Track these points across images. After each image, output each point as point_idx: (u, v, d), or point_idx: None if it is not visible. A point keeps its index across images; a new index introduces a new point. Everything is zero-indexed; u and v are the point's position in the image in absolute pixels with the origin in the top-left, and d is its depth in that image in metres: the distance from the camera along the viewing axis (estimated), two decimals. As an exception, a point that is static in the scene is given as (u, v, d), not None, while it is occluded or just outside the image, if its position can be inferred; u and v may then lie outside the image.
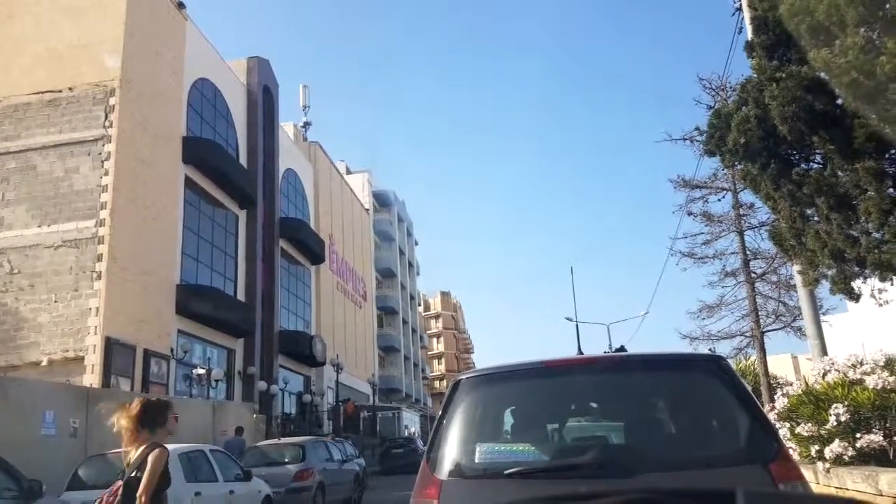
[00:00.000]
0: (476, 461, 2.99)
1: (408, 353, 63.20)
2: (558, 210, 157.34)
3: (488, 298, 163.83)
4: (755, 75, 6.35)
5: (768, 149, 6.23)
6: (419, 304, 77.94)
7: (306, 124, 46.97)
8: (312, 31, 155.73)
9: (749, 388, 3.33)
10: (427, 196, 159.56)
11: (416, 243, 74.37)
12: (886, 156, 5.68)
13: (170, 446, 11.37)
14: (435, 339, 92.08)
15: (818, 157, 6.32)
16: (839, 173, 5.86)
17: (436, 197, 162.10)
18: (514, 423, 3.42)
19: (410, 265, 69.54)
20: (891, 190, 5.57)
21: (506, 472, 2.78)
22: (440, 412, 3.25)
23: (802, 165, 6.37)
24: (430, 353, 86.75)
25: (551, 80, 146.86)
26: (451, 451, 3.02)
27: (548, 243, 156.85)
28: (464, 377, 3.38)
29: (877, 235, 5.73)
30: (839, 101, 5.49)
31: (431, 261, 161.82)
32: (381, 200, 61.61)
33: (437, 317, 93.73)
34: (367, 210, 55.88)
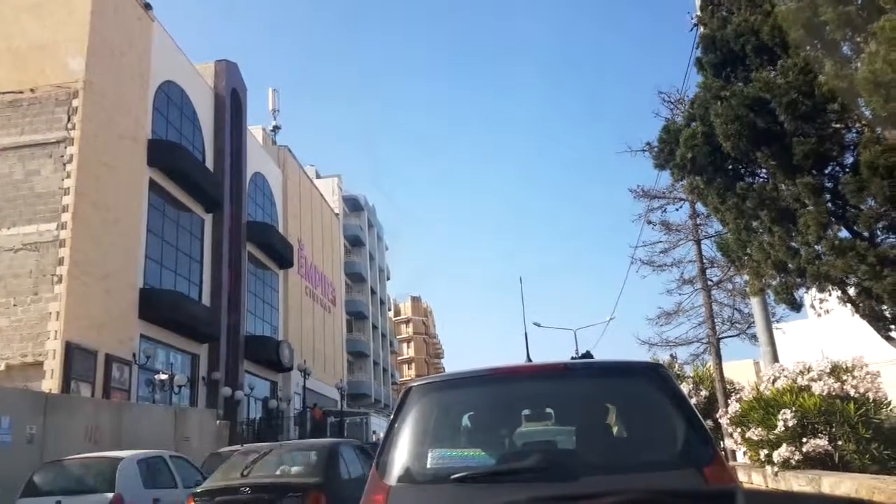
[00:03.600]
0: (426, 467, 3.04)
1: (377, 358, 62.97)
2: (545, 215, 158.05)
3: (464, 302, 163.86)
4: (702, 92, 6.55)
5: (714, 164, 6.43)
6: (389, 309, 77.72)
7: (275, 128, 46.70)
8: (307, 35, 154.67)
9: (686, 395, 3.45)
10: (408, 199, 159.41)
11: (387, 248, 74.27)
12: (825, 171, 5.91)
13: (125, 453, 11.30)
14: (405, 344, 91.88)
15: (762, 173, 6.54)
16: (781, 187, 6.08)
17: (416, 199, 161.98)
18: (464, 429, 3.50)
19: (381, 270, 69.34)
20: (829, 204, 5.79)
21: (452, 476, 2.82)
22: (391, 419, 3.30)
23: (748, 179, 6.59)
24: (399, 357, 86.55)
25: (547, 82, 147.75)
26: (400, 457, 3.05)
27: (530, 248, 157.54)
28: (414, 384, 3.42)
29: (816, 248, 5.94)
30: (780, 119, 5.71)
31: (411, 260, 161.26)
32: (352, 205, 61.37)
33: (407, 322, 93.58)
34: (337, 214, 55.63)
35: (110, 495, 9.57)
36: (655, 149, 7.16)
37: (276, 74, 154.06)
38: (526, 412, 4.07)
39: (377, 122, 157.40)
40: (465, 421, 3.55)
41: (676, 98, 12.70)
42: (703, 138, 6.28)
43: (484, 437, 3.45)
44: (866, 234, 5.70)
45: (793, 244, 6.20)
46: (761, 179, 6.56)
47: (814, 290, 6.95)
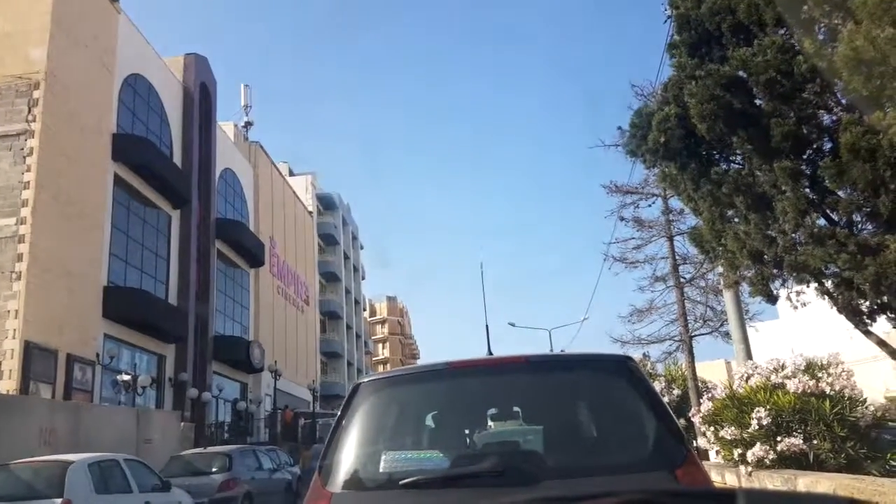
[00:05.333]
0: (376, 471, 2.79)
1: (351, 359, 62.37)
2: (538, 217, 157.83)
3: (447, 305, 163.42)
4: (676, 72, 6.27)
5: (688, 148, 6.15)
6: (364, 309, 77.14)
7: (247, 124, 46.01)
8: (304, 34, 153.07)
9: (657, 390, 3.23)
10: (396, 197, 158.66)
11: (362, 247, 73.67)
12: (803, 156, 5.65)
13: (77, 456, 10.85)
14: (380, 345, 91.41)
15: (738, 158, 6.28)
16: (757, 173, 5.82)
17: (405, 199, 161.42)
18: (418, 429, 3.22)
19: (356, 269, 68.75)
20: (807, 190, 5.54)
21: (401, 482, 2.58)
22: (336, 419, 3.00)
23: (722, 165, 6.32)
24: (375, 358, 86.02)
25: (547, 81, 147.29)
26: (346, 462, 2.78)
27: (514, 251, 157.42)
28: (363, 381, 3.16)
29: (793, 236, 5.69)
30: (757, 101, 5.44)
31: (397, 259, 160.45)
32: (326, 203, 60.70)
33: (383, 322, 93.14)
34: (311, 213, 54.96)
35: (58, 501, 9.29)
36: (627, 134, 6.87)
37: (266, 76, 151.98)
38: (492, 412, 3.77)
39: (364, 122, 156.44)
40: (419, 420, 3.26)
41: (650, 91, 12.50)
42: (677, 121, 6.00)
43: (440, 437, 3.18)
44: (844, 222, 5.45)
45: (769, 233, 5.94)
46: (737, 166, 6.30)
47: (791, 283, 6.69)
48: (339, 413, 3.04)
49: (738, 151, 6.04)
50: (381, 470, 2.78)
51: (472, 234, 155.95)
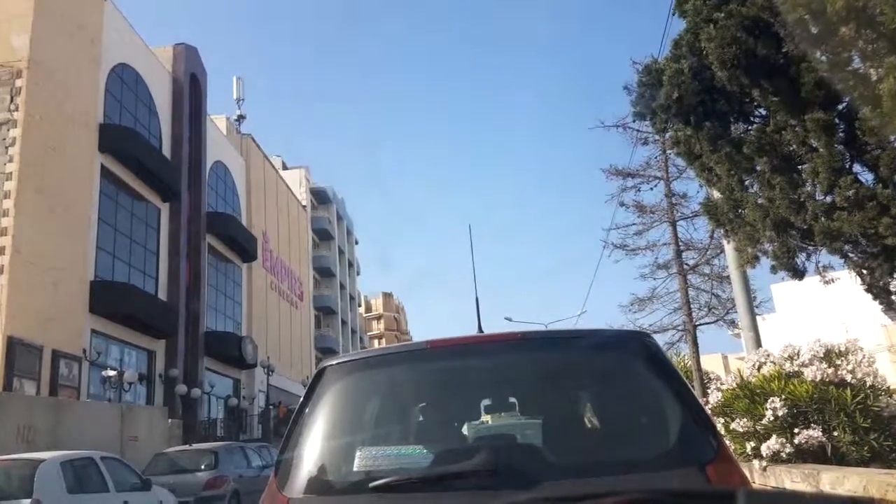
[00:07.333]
0: (345, 471, 2.40)
1: (347, 355, 61.88)
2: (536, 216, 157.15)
3: (442, 302, 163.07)
4: (690, 18, 5.66)
5: (704, 104, 5.57)
6: (360, 305, 76.65)
7: (240, 117, 45.41)
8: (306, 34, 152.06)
9: (680, 372, 2.67)
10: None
11: (357, 242, 73.08)
12: (837, 108, 5.07)
13: (49, 454, 10.31)
14: (376, 341, 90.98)
15: (759, 118, 5.70)
16: (783, 132, 5.24)
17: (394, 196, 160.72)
18: (390, 420, 2.79)
19: (350, 264, 68.21)
20: (841, 146, 4.96)
21: (370, 485, 2.19)
22: (297, 408, 2.54)
23: (741, 124, 5.75)
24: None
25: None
26: (309, 460, 2.37)
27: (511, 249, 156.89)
28: (329, 363, 2.70)
29: (826, 200, 5.11)
30: (784, 49, 4.87)
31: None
32: (320, 198, 60.11)
33: (378, 318, 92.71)
34: (305, 207, 54.36)
35: (27, 501, 8.73)
36: (634, 94, 6.28)
37: (265, 76, 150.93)
38: (486, 402, 3.34)
39: (364, 124, 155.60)
40: (393, 410, 2.82)
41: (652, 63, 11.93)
42: (692, 74, 5.42)
43: (419, 430, 2.78)
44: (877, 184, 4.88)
45: (797, 197, 5.35)
46: (758, 124, 5.71)
47: (818, 255, 6.10)
48: (300, 401, 2.55)
49: (760, 108, 5.47)
50: (354, 469, 2.36)
51: (473, 234, 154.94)
